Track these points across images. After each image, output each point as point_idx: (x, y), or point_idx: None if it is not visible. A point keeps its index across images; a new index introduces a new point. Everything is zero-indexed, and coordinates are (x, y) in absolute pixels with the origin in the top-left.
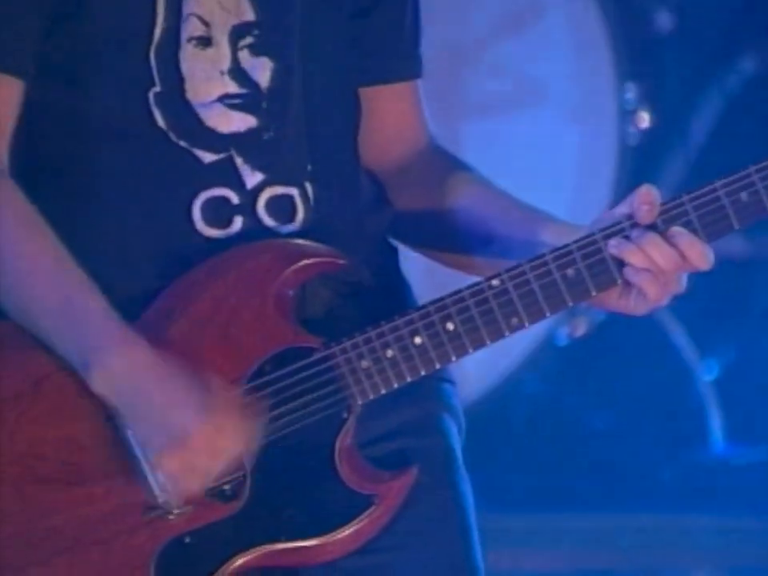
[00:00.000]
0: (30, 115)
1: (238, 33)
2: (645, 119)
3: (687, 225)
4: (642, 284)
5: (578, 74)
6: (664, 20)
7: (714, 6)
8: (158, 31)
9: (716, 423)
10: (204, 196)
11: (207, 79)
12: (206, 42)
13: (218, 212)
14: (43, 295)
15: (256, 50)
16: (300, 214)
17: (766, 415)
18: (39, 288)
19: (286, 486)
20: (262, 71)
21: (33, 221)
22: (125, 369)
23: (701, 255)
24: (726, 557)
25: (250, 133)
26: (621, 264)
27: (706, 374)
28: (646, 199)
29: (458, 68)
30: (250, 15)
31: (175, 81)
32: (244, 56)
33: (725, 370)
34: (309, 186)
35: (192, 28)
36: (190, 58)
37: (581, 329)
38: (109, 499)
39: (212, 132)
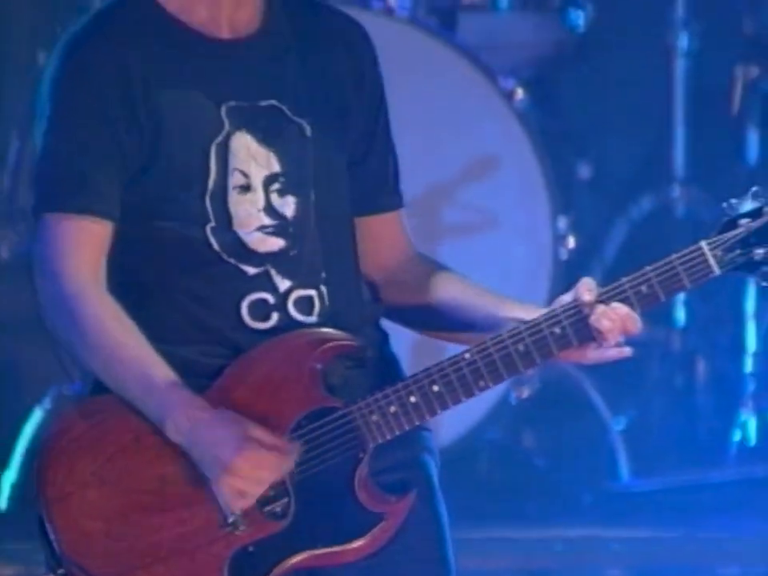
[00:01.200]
0: (116, 244)
1: (269, 181)
2: (571, 242)
3: (625, 300)
4: (603, 328)
5: (524, 208)
6: (585, 170)
7: (621, 160)
8: (210, 182)
9: (623, 461)
10: (249, 299)
11: (248, 216)
12: (246, 188)
13: (260, 310)
14: (130, 373)
15: (282, 192)
16: (317, 309)
17: (659, 457)
18: (127, 368)
19: (320, 507)
20: (288, 207)
21: (122, 318)
22: (187, 422)
23: (634, 322)
24: (634, 560)
25: (281, 252)
26: (568, 337)
27: (616, 425)
28: (588, 287)
29: (435, 201)
30: (277, 168)
31: (225, 218)
32: (274, 197)
33: (629, 423)
34: (323, 288)
35: (236, 179)
36: (235, 201)
37: (526, 392)
38: (194, 520)
39: (253, 252)
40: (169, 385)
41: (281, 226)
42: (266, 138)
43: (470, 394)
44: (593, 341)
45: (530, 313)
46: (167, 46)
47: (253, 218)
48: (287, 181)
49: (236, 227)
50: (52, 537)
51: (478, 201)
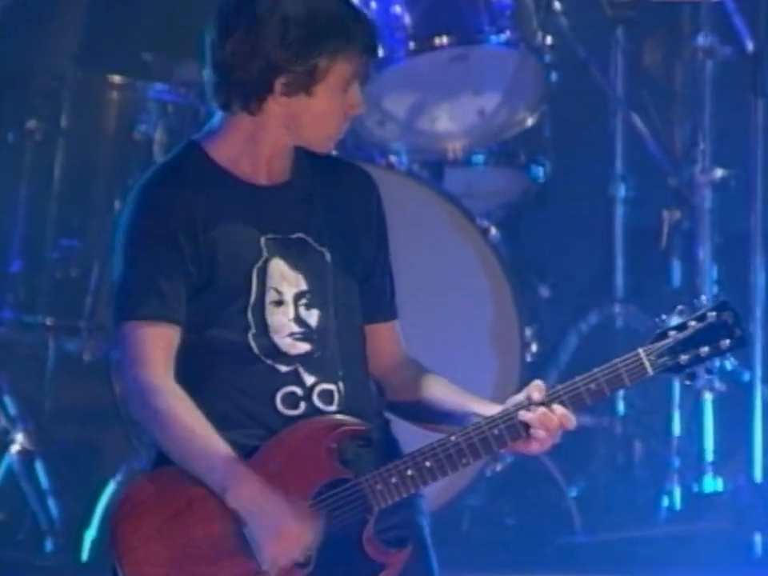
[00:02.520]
0: (179, 345)
1: (297, 297)
2: (534, 347)
3: (562, 403)
4: (538, 436)
5: (499, 319)
6: (544, 290)
7: (573, 283)
8: (252, 298)
9: (577, 521)
10: (282, 391)
11: (281, 325)
12: (279, 303)
13: (291, 400)
14: (197, 450)
15: (308, 306)
16: (336, 400)
17: (605, 517)
18: (195, 446)
19: (335, 558)
20: (313, 318)
21: (190, 408)
22: (247, 492)
23: (569, 420)
24: None
25: (307, 354)
26: (525, 426)
27: (570, 492)
28: (538, 389)
29: (429, 307)
30: (304, 286)
31: (262, 327)
32: (302, 310)
33: (581, 491)
34: (341, 384)
35: (271, 296)
36: (271, 313)
37: (498, 467)
38: (235, 569)
39: (285, 354)
40: (231, 461)
41: (307, 333)
42: (296, 263)
43: (454, 469)
44: (525, 436)
45: (489, 409)
46: (220, 191)
47: (285, 326)
48: (312, 297)
49: (271, 334)
50: None
51: (464, 313)
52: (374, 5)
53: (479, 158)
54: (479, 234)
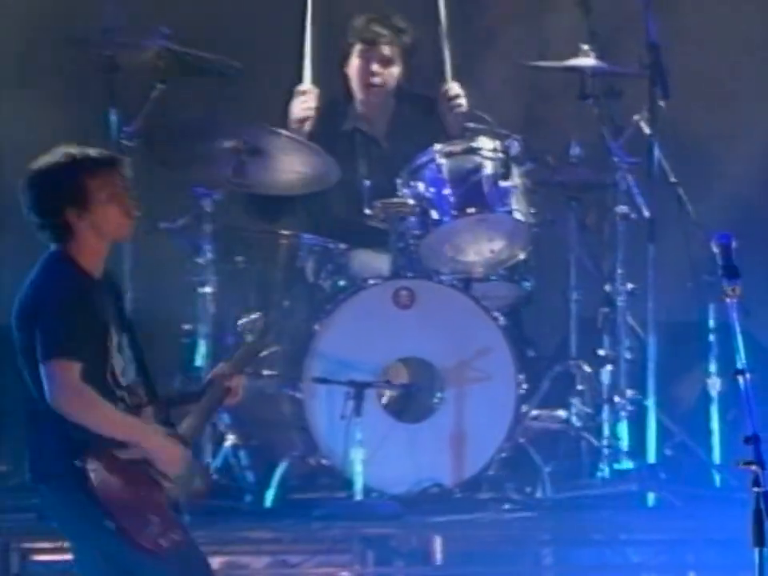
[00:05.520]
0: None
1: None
2: (524, 385)
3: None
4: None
5: (504, 370)
6: (530, 352)
7: (547, 347)
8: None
9: (548, 483)
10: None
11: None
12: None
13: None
14: (125, 428)
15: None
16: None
17: (566, 484)
18: (126, 428)
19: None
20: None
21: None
22: (149, 440)
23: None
24: None
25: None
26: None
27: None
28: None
29: (464, 358)
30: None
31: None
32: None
33: (552, 468)
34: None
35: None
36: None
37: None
38: (153, 489)
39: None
40: (143, 426)
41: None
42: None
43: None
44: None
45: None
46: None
47: (118, 364)
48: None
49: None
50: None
51: (484, 364)
52: (432, 189)
53: (492, 277)
54: (493, 320)
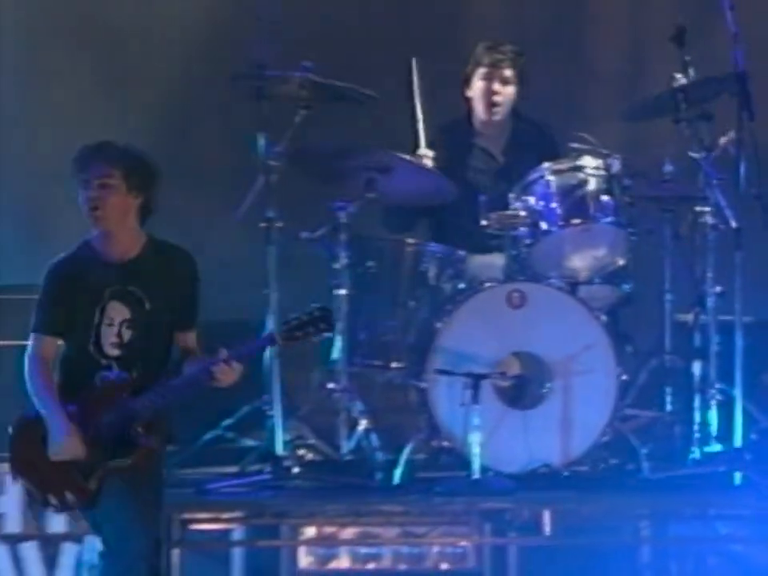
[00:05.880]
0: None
1: (122, 322)
2: (624, 376)
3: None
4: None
5: (606, 362)
6: (629, 348)
7: (645, 343)
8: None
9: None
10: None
11: (107, 338)
12: (110, 325)
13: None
14: (42, 405)
15: (128, 328)
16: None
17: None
18: (43, 405)
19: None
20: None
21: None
22: (49, 422)
23: (234, 370)
24: None
25: (117, 356)
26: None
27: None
28: (222, 353)
29: (573, 350)
30: (128, 315)
31: (97, 341)
32: (123, 330)
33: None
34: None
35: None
36: (105, 333)
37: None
38: (59, 467)
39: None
40: (56, 411)
41: (119, 344)
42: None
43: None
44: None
45: (194, 364)
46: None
47: (109, 339)
48: (131, 323)
49: (102, 343)
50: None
51: (589, 355)
52: (542, 202)
53: (595, 281)
54: (595, 319)
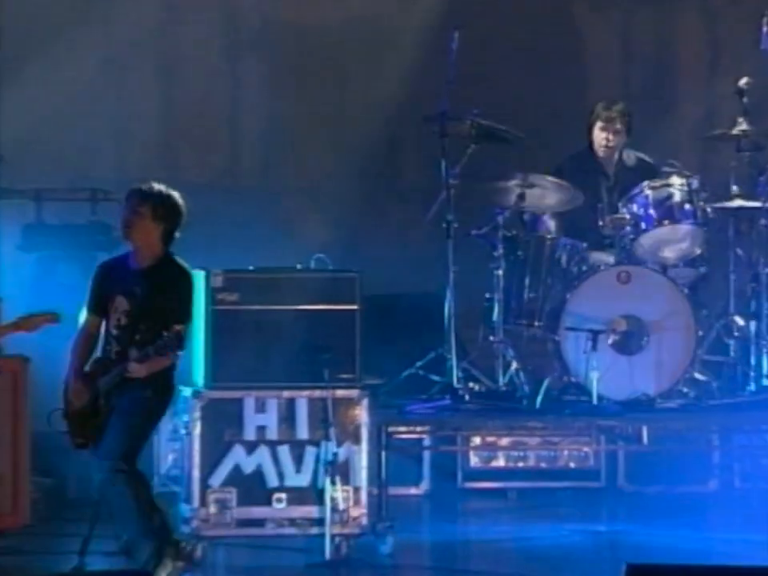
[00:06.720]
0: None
1: (123, 312)
2: (700, 332)
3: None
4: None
5: (686, 323)
6: (705, 312)
7: (715, 307)
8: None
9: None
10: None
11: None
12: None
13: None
14: (69, 361)
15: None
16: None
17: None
18: (69, 360)
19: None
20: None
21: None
22: (68, 378)
23: (140, 368)
24: None
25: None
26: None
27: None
28: (133, 355)
29: (659, 312)
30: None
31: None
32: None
33: None
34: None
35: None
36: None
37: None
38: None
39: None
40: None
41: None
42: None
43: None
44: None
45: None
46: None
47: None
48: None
49: (110, 328)
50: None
51: (672, 318)
52: (642, 209)
53: (680, 264)
54: (680, 292)
